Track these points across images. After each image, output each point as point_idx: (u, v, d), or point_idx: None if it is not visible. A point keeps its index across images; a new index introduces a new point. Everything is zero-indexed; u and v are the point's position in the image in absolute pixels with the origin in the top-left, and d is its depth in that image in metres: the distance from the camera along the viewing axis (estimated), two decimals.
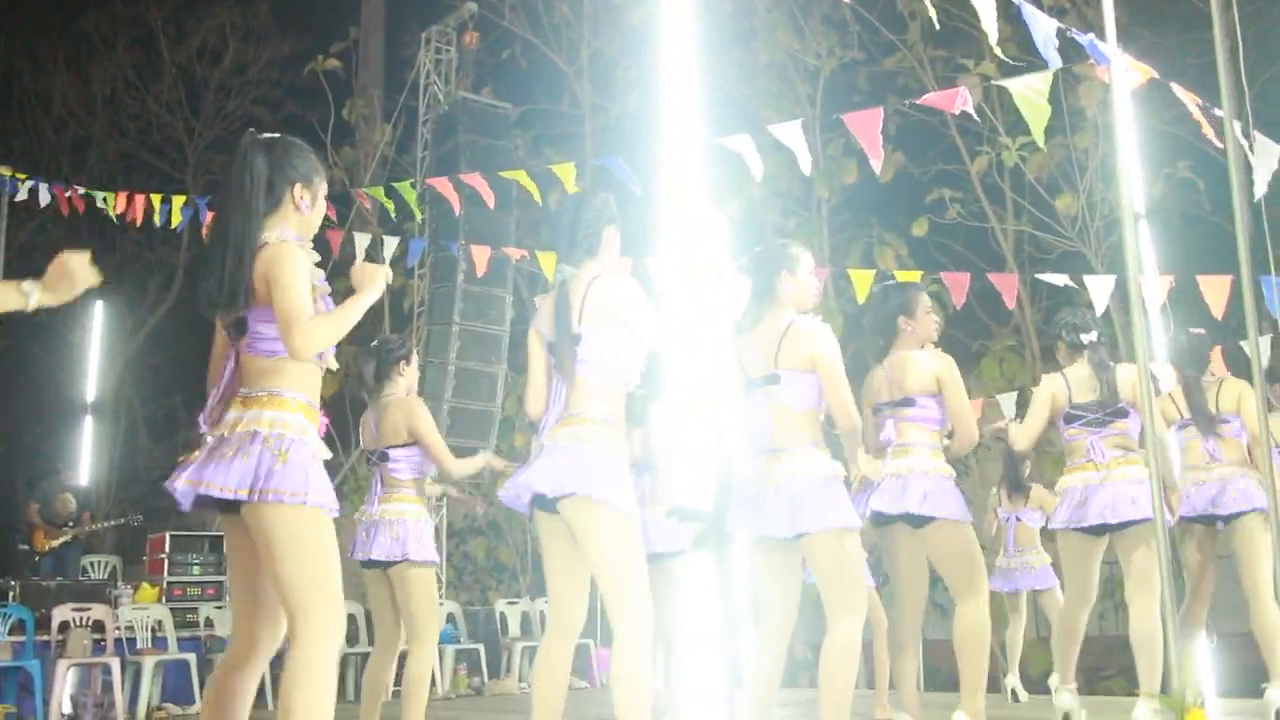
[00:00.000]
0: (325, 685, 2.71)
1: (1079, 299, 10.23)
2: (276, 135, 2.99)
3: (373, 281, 2.93)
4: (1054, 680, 5.35)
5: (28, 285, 2.56)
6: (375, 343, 5.10)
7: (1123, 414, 4.82)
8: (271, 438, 2.75)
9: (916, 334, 4.58)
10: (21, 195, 9.18)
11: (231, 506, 2.80)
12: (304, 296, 2.76)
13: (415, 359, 5.05)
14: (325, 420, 2.92)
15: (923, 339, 4.60)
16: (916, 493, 4.33)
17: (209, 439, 2.83)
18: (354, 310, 2.87)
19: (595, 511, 3.42)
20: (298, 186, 2.94)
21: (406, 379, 4.95)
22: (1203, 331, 5.54)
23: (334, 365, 2.96)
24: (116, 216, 9.16)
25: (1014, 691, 7.07)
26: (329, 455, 2.88)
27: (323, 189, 3.02)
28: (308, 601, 2.71)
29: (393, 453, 4.80)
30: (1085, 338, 4.96)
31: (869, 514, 4.41)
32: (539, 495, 3.49)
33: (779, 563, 3.94)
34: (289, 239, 2.88)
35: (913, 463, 4.40)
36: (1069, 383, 4.94)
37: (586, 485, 3.40)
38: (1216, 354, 5.58)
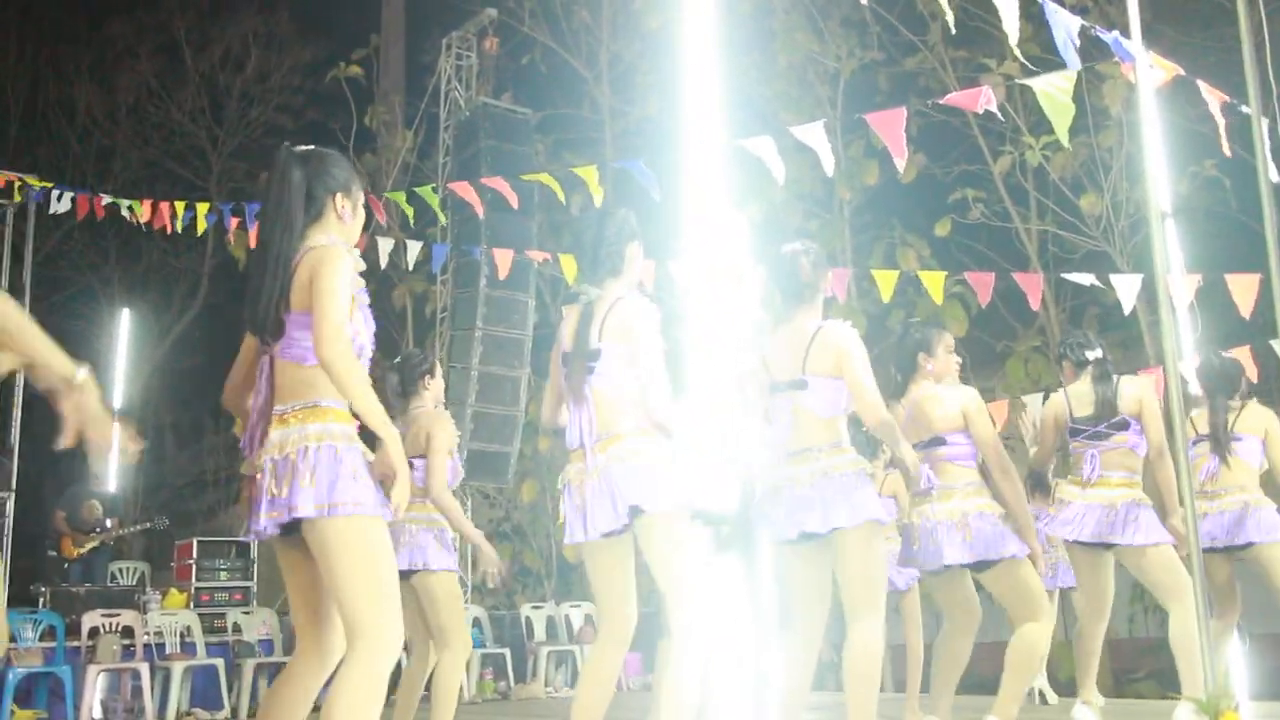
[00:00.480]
0: (371, 700, 2.71)
1: (1104, 299, 10.20)
2: (311, 147, 3.01)
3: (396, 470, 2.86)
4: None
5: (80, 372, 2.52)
6: (399, 358, 5.13)
7: (1123, 426, 4.80)
8: (325, 450, 2.74)
9: (936, 372, 4.53)
10: (54, 207, 9.24)
11: (287, 528, 2.79)
12: (341, 305, 2.75)
13: (439, 370, 5.07)
14: (357, 424, 2.91)
15: (941, 377, 4.55)
16: (982, 537, 4.27)
17: (262, 464, 2.80)
18: (376, 414, 2.79)
19: (657, 523, 3.44)
20: (339, 196, 2.95)
21: (433, 391, 4.97)
22: (1236, 359, 5.50)
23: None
24: (143, 225, 9.22)
25: (1041, 693, 7.01)
26: (371, 456, 2.86)
27: (361, 197, 3.03)
28: (366, 617, 2.71)
29: (416, 462, 4.80)
30: (1089, 354, 4.97)
31: (940, 568, 4.35)
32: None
33: (810, 564, 3.93)
34: (335, 240, 2.89)
35: (965, 505, 4.33)
36: (1069, 399, 4.98)
37: (650, 503, 3.41)
38: (1245, 359, 5.51)
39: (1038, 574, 4.37)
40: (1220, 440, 5.16)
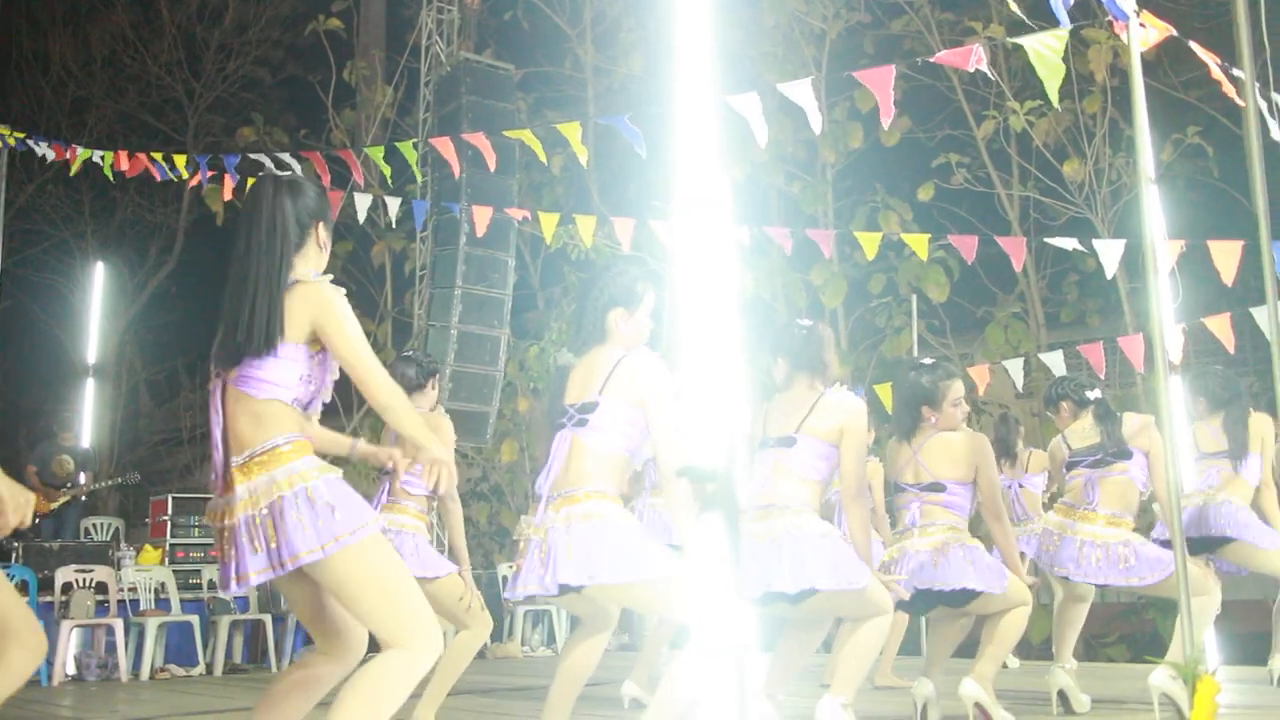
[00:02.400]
0: (391, 694, 2.69)
1: (1084, 266, 10.20)
2: (291, 174, 2.98)
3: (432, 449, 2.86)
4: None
5: None
6: (409, 353, 5.16)
7: (1125, 455, 4.81)
8: (300, 494, 2.68)
9: (939, 424, 4.47)
10: (39, 152, 9.10)
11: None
12: (370, 354, 2.78)
13: (438, 382, 5.15)
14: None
15: (946, 428, 4.48)
16: (959, 568, 4.26)
17: (232, 522, 2.71)
18: (423, 432, 2.85)
19: (624, 590, 3.31)
20: (321, 226, 2.91)
21: (435, 393, 5.05)
22: (1228, 370, 5.57)
23: (315, 423, 2.91)
24: (115, 175, 9.08)
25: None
26: (339, 471, 2.80)
27: (329, 223, 2.99)
28: (399, 629, 2.69)
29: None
30: (1090, 395, 5.02)
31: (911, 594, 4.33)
32: (563, 586, 3.30)
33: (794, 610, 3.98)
34: (323, 279, 2.84)
35: (942, 538, 4.33)
36: (1066, 438, 5.05)
37: (609, 574, 3.23)
38: (1224, 323, 5.55)
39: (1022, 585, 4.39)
40: (1239, 453, 5.24)
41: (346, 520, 2.68)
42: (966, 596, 4.27)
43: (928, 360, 4.71)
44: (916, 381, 4.50)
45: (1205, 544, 5.21)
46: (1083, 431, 4.98)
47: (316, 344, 2.79)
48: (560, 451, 3.42)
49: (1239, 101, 4.03)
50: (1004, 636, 4.35)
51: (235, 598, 8.68)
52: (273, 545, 2.66)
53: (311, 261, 2.89)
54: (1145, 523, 5.36)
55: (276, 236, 2.81)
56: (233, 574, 2.71)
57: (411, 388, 4.92)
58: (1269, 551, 5.16)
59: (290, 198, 2.87)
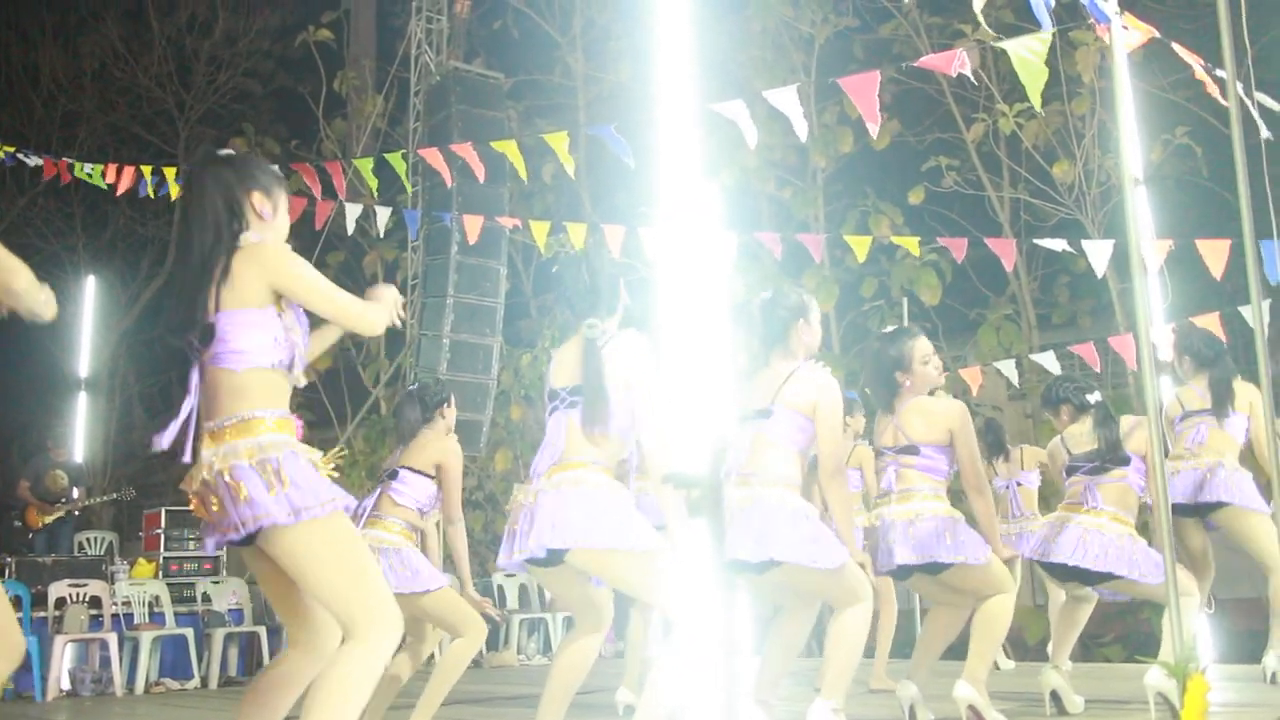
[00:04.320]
0: (356, 693, 2.67)
1: (1075, 268, 10.22)
2: (229, 150, 2.98)
3: (386, 301, 3.00)
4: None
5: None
6: (415, 388, 5.18)
7: (1123, 461, 4.82)
8: (259, 465, 2.67)
9: (915, 386, 4.45)
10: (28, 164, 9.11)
11: (247, 538, 2.74)
12: (332, 287, 2.82)
13: (453, 400, 5.11)
14: (300, 423, 2.85)
15: (922, 389, 4.47)
16: (932, 538, 4.26)
17: (195, 485, 2.74)
18: (362, 309, 2.93)
19: (606, 556, 3.35)
20: (256, 195, 2.88)
21: (447, 420, 5.01)
22: (1206, 329, 5.59)
23: (302, 382, 2.90)
24: (108, 186, 9.08)
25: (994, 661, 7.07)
26: (317, 454, 2.80)
27: (284, 201, 2.96)
28: (351, 617, 2.68)
29: (404, 473, 4.78)
30: (1090, 398, 5.01)
31: (894, 568, 4.34)
32: (550, 551, 3.39)
33: (772, 588, 3.99)
34: (267, 238, 2.84)
35: (919, 507, 4.32)
36: (1065, 440, 5.04)
37: (595, 535, 3.31)
38: (1213, 322, 5.60)
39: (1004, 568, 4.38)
40: (1221, 411, 5.24)
41: (311, 495, 2.67)
42: (939, 566, 4.27)
43: (889, 329, 4.74)
44: (883, 352, 4.52)
45: (1198, 509, 5.24)
46: (1081, 436, 4.98)
47: (280, 303, 2.79)
48: (556, 433, 3.50)
49: (1222, 101, 4.05)
50: (989, 632, 4.33)
51: (229, 610, 8.67)
52: (231, 510, 2.66)
53: (258, 232, 2.87)
54: (1142, 520, 5.36)
55: (205, 212, 2.82)
56: (211, 534, 2.76)
57: (420, 425, 4.94)
58: (1255, 514, 5.18)
59: (213, 171, 2.88)
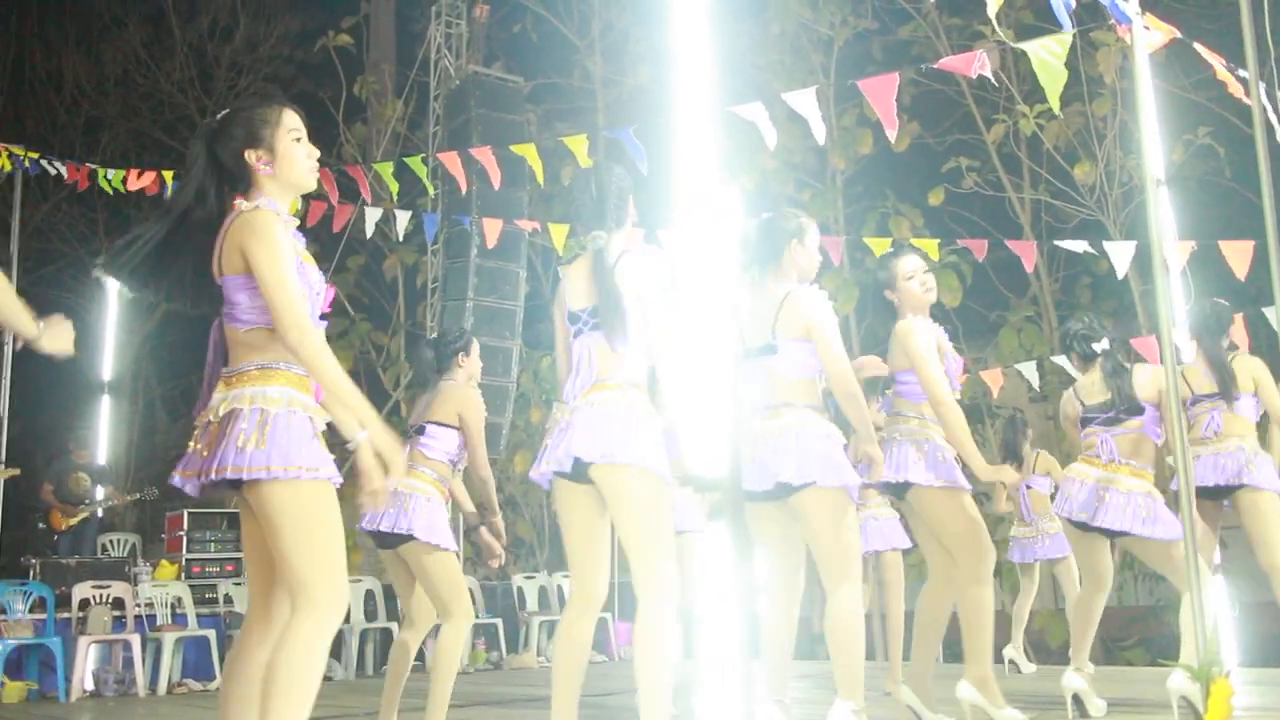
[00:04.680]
0: (310, 663, 2.66)
1: (1096, 269, 10.18)
2: (221, 114, 2.96)
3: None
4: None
5: (40, 324, 2.79)
6: (434, 335, 5.11)
7: (1137, 410, 4.78)
8: (252, 413, 2.70)
9: (903, 305, 4.45)
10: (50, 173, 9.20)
11: (241, 486, 2.77)
12: (289, 288, 2.71)
13: (475, 348, 5.03)
14: (319, 389, 2.86)
15: (915, 307, 4.45)
16: (893, 462, 4.26)
17: (197, 427, 2.80)
18: (354, 397, 2.79)
19: (631, 475, 3.39)
20: (247, 153, 2.86)
21: (466, 369, 4.95)
22: (1225, 302, 5.50)
23: (321, 336, 2.92)
24: (129, 193, 9.15)
25: (1013, 663, 7.01)
26: (327, 419, 2.81)
27: (283, 135, 2.89)
28: (306, 579, 2.67)
29: (431, 428, 4.78)
30: (1097, 347, 4.96)
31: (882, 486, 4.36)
32: (576, 461, 3.43)
33: (783, 527, 3.94)
34: (261, 205, 2.83)
35: (894, 430, 4.35)
36: (1077, 392, 5.00)
37: (625, 450, 3.36)
38: (1237, 323, 5.53)
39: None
40: (1228, 389, 5.18)
41: (284, 457, 2.68)
42: (904, 488, 4.26)
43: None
44: (877, 278, 4.58)
45: (1218, 492, 5.19)
46: (1092, 386, 4.93)
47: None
48: (584, 357, 3.53)
49: (1245, 100, 4.02)
50: (973, 625, 4.23)
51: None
52: (213, 453, 2.69)
53: (265, 190, 2.87)
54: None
55: (192, 178, 2.87)
56: (178, 469, 2.79)
57: (433, 371, 4.92)
58: (1266, 494, 5.14)
59: (204, 142, 2.89)
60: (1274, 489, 5.17)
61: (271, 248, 2.72)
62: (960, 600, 4.29)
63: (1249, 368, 5.31)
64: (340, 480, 2.80)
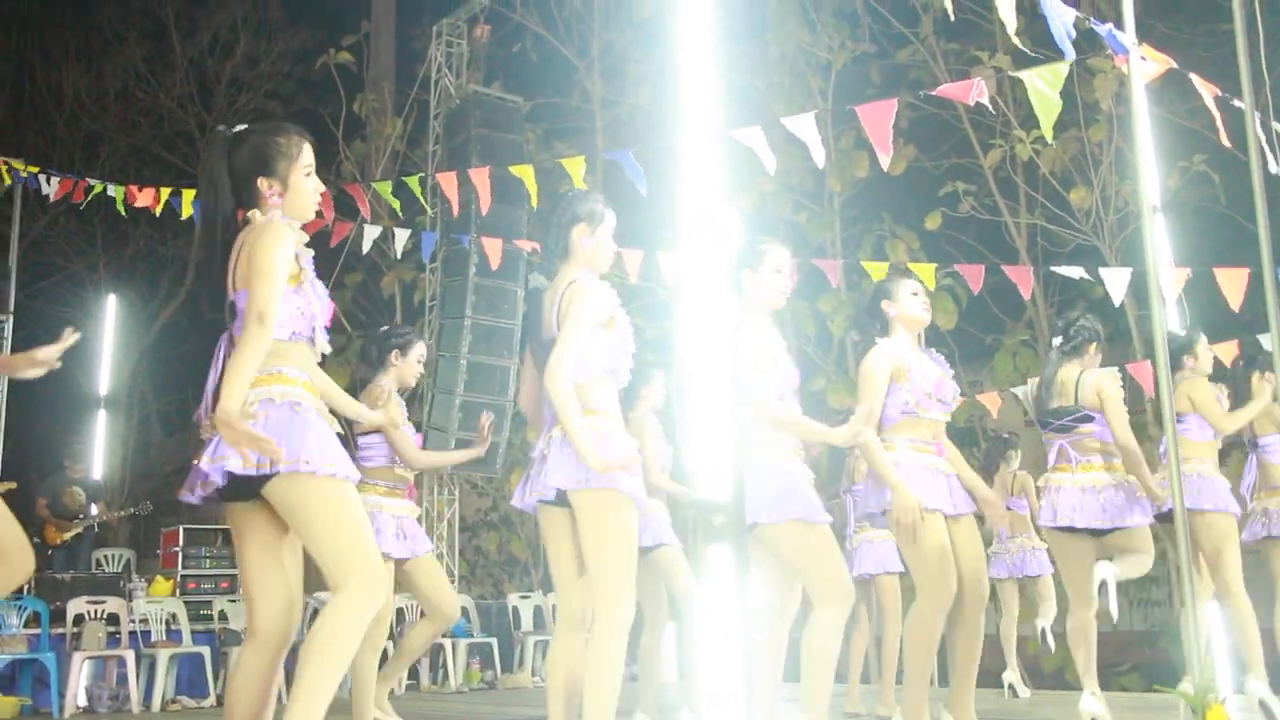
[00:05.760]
0: (344, 637, 2.75)
1: (1092, 294, 10.20)
2: (243, 127, 3.01)
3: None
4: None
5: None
6: (385, 328, 5.05)
7: (1087, 419, 4.82)
8: (290, 409, 2.77)
9: (901, 319, 4.47)
10: (45, 189, 9.21)
11: (239, 492, 2.79)
12: (278, 277, 2.75)
13: (416, 352, 4.91)
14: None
15: (910, 324, 4.48)
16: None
17: (208, 434, 2.81)
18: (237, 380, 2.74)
19: (604, 499, 3.43)
20: (260, 180, 2.91)
21: (398, 370, 4.83)
22: (1183, 333, 5.57)
23: (326, 349, 2.97)
24: (127, 209, 9.16)
25: (1012, 687, 6.98)
26: (337, 428, 2.89)
27: (298, 170, 2.94)
28: (353, 558, 2.75)
29: (361, 440, 4.72)
30: (1054, 341, 5.12)
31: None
32: (559, 491, 3.50)
33: (766, 552, 3.96)
34: (274, 216, 2.88)
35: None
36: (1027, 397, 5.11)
37: (599, 475, 3.40)
38: (1203, 348, 5.53)
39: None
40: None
41: (314, 452, 2.74)
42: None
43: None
44: (875, 293, 4.59)
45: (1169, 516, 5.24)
46: (1056, 387, 5.00)
47: (293, 279, 2.84)
48: None
49: (1225, 141, 4.07)
50: (911, 648, 4.17)
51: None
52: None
53: (268, 210, 2.90)
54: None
55: (213, 195, 2.89)
56: (200, 476, 2.79)
57: (375, 365, 4.85)
58: (1208, 516, 5.17)
59: (222, 155, 2.93)
60: (1221, 509, 5.20)
61: (274, 246, 2.77)
62: (907, 625, 4.25)
63: (1183, 390, 5.35)
64: (358, 478, 2.88)
